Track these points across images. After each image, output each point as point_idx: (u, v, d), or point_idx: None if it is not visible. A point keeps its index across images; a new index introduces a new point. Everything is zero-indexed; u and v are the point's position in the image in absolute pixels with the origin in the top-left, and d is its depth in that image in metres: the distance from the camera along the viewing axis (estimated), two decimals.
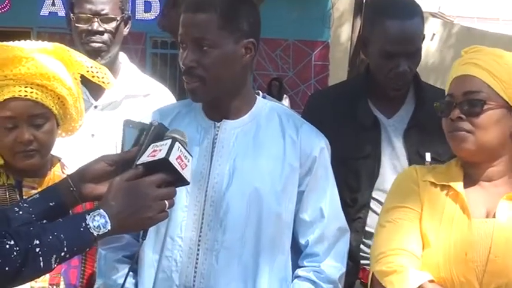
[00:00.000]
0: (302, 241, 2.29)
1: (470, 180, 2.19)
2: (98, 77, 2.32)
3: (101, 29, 2.87)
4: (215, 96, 2.24)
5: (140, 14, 12.73)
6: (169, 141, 1.77)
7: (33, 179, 2.25)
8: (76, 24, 2.88)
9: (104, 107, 2.90)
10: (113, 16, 2.91)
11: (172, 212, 2.14)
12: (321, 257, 2.27)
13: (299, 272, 2.28)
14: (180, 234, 2.20)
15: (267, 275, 2.22)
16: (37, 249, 1.65)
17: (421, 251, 2.15)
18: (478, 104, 2.12)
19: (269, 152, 2.24)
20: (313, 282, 2.26)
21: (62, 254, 1.69)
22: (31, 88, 2.15)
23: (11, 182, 2.22)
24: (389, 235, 2.20)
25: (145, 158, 1.78)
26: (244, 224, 2.19)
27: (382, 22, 2.72)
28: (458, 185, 2.17)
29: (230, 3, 2.22)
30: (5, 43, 2.23)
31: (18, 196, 2.20)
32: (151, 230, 1.88)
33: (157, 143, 1.79)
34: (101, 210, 1.72)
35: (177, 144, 1.77)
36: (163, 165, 1.75)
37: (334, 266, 2.28)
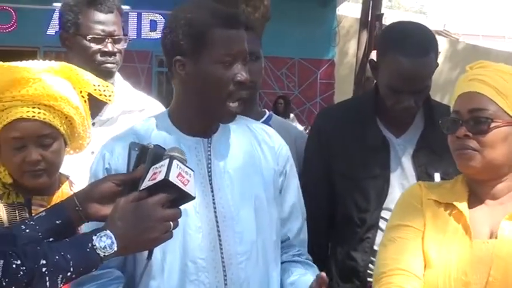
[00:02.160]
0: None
1: (475, 199, 2.16)
2: (105, 95, 2.34)
3: (115, 49, 2.92)
4: None
5: (146, 33, 12.78)
6: (167, 161, 1.79)
7: (42, 197, 2.24)
8: (90, 44, 2.90)
9: (101, 124, 2.92)
10: (121, 37, 2.95)
11: (187, 235, 2.13)
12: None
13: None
14: (201, 256, 2.15)
15: (276, 272, 2.27)
16: (43, 269, 1.65)
17: (422, 270, 2.12)
18: (485, 122, 2.09)
19: (253, 158, 2.26)
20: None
21: (68, 274, 1.69)
22: (38, 109, 2.16)
23: (20, 201, 2.22)
24: (390, 254, 2.17)
25: (147, 183, 1.80)
26: (256, 232, 2.20)
27: (394, 56, 2.59)
28: (462, 204, 2.14)
29: None
30: (12, 63, 2.24)
31: (27, 214, 2.19)
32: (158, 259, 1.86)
33: (157, 165, 1.81)
34: (108, 231, 1.73)
35: (175, 162, 1.79)
36: (165, 185, 1.77)
37: None
